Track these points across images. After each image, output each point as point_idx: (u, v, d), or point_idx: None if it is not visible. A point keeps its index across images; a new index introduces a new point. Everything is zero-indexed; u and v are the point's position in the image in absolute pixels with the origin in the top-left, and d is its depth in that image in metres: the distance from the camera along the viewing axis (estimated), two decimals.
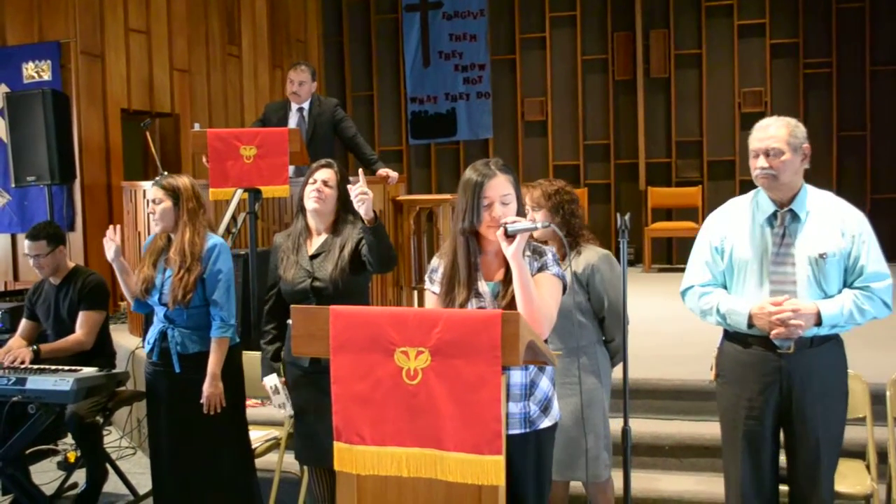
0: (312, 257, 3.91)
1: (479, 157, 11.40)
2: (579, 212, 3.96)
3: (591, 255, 3.90)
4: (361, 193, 3.54)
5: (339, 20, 12.12)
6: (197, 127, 6.14)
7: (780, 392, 3.39)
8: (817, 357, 3.38)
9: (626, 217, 3.57)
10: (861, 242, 3.37)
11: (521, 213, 3.05)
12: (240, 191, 5.50)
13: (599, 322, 3.95)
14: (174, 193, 4.18)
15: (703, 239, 3.59)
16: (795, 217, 3.40)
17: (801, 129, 3.40)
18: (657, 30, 11.08)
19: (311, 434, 3.88)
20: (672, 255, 11.00)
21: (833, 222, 3.39)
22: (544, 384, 3.10)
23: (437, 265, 3.14)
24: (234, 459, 4.29)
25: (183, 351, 4.16)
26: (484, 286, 3.04)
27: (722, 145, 10.97)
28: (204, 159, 5.44)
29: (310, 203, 3.91)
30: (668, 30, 11.06)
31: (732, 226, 3.50)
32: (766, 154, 3.35)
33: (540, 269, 3.03)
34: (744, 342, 3.45)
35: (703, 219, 10.51)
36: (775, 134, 3.35)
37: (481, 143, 11.76)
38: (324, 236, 3.96)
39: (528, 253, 3.03)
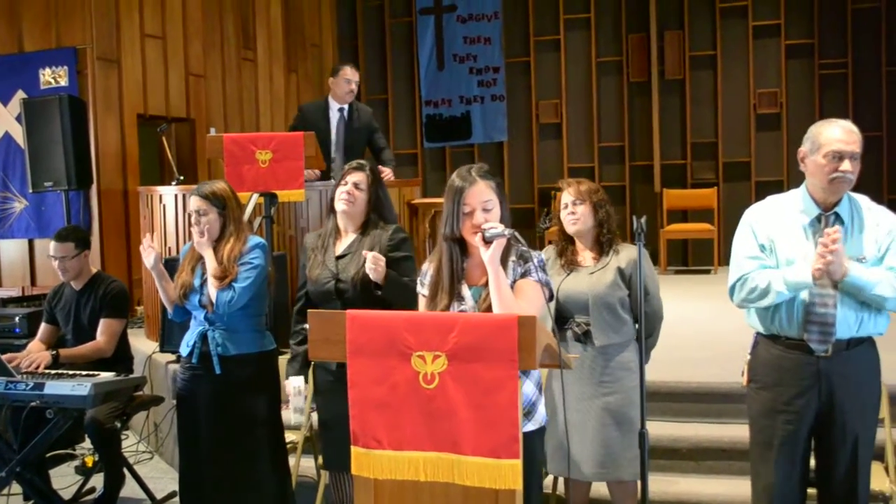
0: (339, 258, 3.92)
1: (495, 159, 11.54)
2: (614, 215, 4.08)
3: (631, 251, 3.95)
4: (372, 265, 3.66)
5: (353, 24, 12.14)
6: (213, 132, 6.18)
7: (819, 396, 3.34)
8: (854, 359, 3.35)
9: (643, 220, 3.55)
10: (893, 239, 3.36)
11: (504, 218, 3.04)
12: (256, 195, 5.51)
13: (634, 319, 4.00)
14: (220, 202, 4.09)
15: (746, 235, 3.48)
16: (839, 221, 3.36)
17: None
18: (672, 31, 11.05)
19: (342, 439, 3.84)
20: (688, 256, 10.97)
21: (870, 226, 3.38)
22: (528, 389, 3.05)
23: (427, 269, 3.17)
24: (270, 461, 4.23)
25: (224, 353, 4.07)
26: (466, 290, 3.05)
27: (737, 146, 10.92)
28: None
29: (339, 205, 3.92)
30: (683, 31, 11.03)
31: (776, 225, 3.43)
32: (852, 158, 3.28)
33: (523, 275, 3.04)
34: (781, 345, 3.40)
35: (719, 220, 10.38)
36: (857, 139, 3.28)
37: (496, 146, 11.75)
38: (352, 237, 3.97)
39: (512, 258, 3.05)
